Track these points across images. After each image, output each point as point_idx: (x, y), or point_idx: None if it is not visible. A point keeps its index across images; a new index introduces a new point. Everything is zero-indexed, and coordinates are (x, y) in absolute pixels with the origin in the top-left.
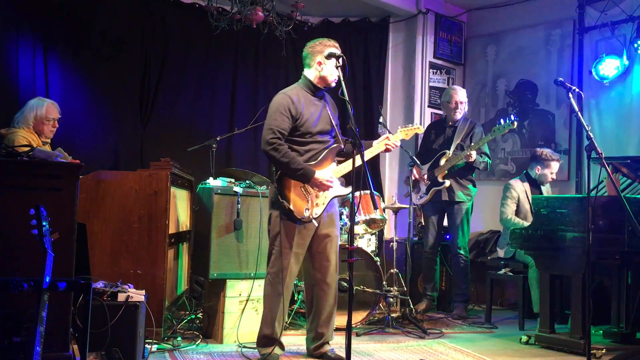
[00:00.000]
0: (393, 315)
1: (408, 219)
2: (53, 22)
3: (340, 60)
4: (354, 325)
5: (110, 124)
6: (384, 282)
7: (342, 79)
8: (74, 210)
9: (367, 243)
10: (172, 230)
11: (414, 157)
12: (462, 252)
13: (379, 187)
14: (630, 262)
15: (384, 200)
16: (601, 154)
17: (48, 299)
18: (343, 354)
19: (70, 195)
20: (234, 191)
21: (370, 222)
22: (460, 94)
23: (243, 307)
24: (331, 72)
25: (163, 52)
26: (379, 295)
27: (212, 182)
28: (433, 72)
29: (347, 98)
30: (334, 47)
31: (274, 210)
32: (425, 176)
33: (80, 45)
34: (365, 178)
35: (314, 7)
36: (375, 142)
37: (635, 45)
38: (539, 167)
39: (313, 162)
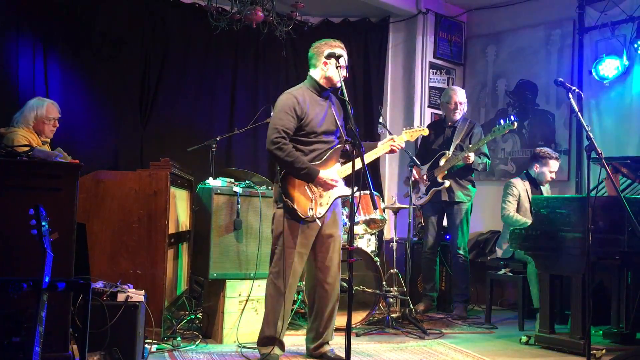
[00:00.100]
0: (393, 315)
1: (408, 219)
2: (53, 22)
3: (340, 60)
4: (353, 326)
5: (110, 124)
6: (384, 283)
7: (340, 78)
8: (74, 210)
9: (366, 243)
10: (171, 230)
11: (414, 158)
12: (461, 252)
13: (378, 187)
14: (630, 262)
15: (383, 201)
16: (601, 154)
17: (47, 299)
18: (343, 354)
19: (69, 195)
20: (234, 191)
21: (370, 223)
22: (460, 95)
23: (243, 307)
24: (337, 72)
25: (163, 52)
26: (378, 296)
27: (211, 182)
28: (433, 72)
29: (346, 98)
30: (339, 48)
31: (277, 209)
32: (425, 177)
33: (80, 45)
34: (365, 178)
35: (313, 7)
36: (380, 143)
37: (635, 45)
38: (537, 165)
39: (317, 162)
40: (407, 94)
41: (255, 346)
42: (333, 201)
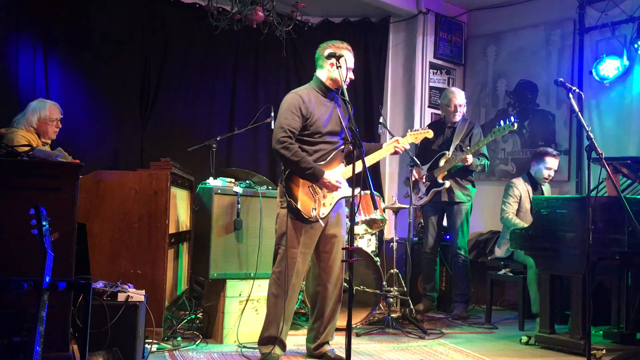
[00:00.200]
0: (393, 315)
1: (408, 219)
2: (53, 22)
3: (340, 60)
4: (354, 326)
5: (111, 124)
6: (384, 283)
7: (342, 79)
8: (74, 210)
9: (367, 243)
10: (172, 230)
11: (414, 158)
12: (461, 252)
13: (379, 188)
14: (630, 262)
15: (384, 201)
16: (601, 154)
17: (48, 299)
18: (343, 354)
19: (70, 195)
20: (234, 191)
21: (370, 223)
22: (459, 97)
23: (243, 307)
24: (343, 74)
25: (163, 52)
26: (379, 296)
27: (212, 182)
28: (433, 72)
29: (347, 98)
30: (346, 50)
31: (281, 209)
32: (425, 177)
33: (80, 45)
34: (366, 178)
35: (314, 7)
36: (384, 145)
37: (636, 45)
38: (534, 162)
39: (322, 163)
40: (407, 94)
41: (256, 346)
42: (336, 202)
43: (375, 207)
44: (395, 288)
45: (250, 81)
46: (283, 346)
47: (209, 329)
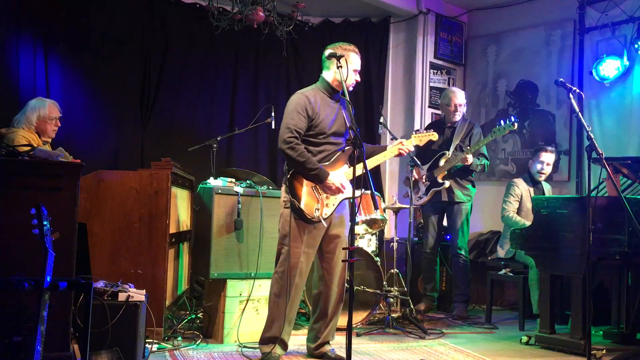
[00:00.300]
0: (393, 315)
1: (408, 219)
2: (53, 22)
3: (341, 61)
4: (354, 325)
5: (111, 124)
6: (384, 282)
7: (343, 79)
8: (75, 210)
9: (367, 243)
10: (172, 230)
11: (415, 158)
12: (462, 252)
13: (379, 187)
14: (630, 262)
15: (384, 201)
16: (602, 154)
17: (49, 299)
18: (343, 354)
19: (71, 195)
20: (235, 191)
21: (370, 223)
22: (459, 97)
23: (243, 307)
24: (350, 75)
25: (164, 52)
26: (379, 296)
27: (212, 182)
28: (433, 72)
29: (347, 98)
30: (353, 52)
31: (284, 209)
32: (424, 177)
33: (81, 45)
34: (366, 178)
35: (314, 7)
36: (389, 146)
37: (636, 45)
38: (531, 160)
39: (326, 163)
40: (407, 94)
41: (256, 346)
42: (340, 202)
43: (376, 207)
44: (395, 288)
45: (250, 81)
46: (284, 346)
47: (209, 328)
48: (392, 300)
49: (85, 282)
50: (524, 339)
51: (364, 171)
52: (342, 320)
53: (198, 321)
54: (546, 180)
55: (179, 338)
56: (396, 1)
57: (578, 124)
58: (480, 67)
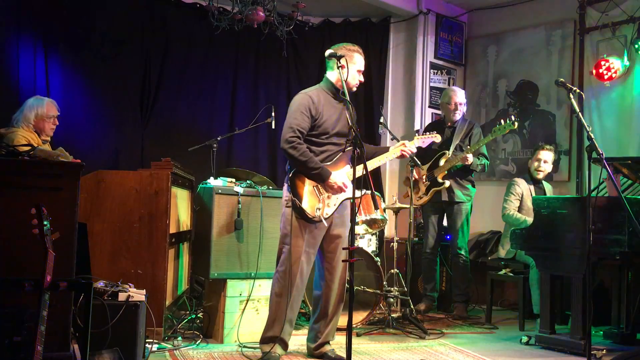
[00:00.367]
0: (393, 315)
1: (408, 219)
2: (54, 22)
3: (342, 60)
4: (354, 326)
5: (111, 124)
6: (385, 282)
7: (343, 79)
8: (75, 209)
9: (367, 243)
10: (172, 230)
11: (415, 158)
12: (462, 252)
13: (379, 187)
14: (630, 262)
15: (384, 201)
16: (602, 154)
17: (49, 299)
18: (343, 354)
19: (71, 195)
20: (235, 191)
21: (371, 223)
22: (459, 95)
23: (243, 307)
24: (353, 76)
25: (164, 52)
26: (379, 296)
27: (212, 182)
28: (434, 72)
29: (347, 98)
30: (356, 52)
31: (286, 208)
32: (425, 177)
33: (81, 45)
34: (367, 178)
35: (314, 7)
36: (391, 148)
37: (636, 46)
38: (530, 160)
39: (328, 163)
40: (407, 94)
41: (256, 345)
42: (341, 202)
43: (376, 207)
44: (395, 288)
45: (250, 81)
46: (285, 346)
47: (209, 328)
48: (392, 300)
49: (85, 282)
50: (524, 339)
51: (365, 172)
52: (342, 320)
53: (198, 321)
54: (546, 180)
55: (179, 338)
56: (396, 1)
57: (578, 124)
58: (481, 67)
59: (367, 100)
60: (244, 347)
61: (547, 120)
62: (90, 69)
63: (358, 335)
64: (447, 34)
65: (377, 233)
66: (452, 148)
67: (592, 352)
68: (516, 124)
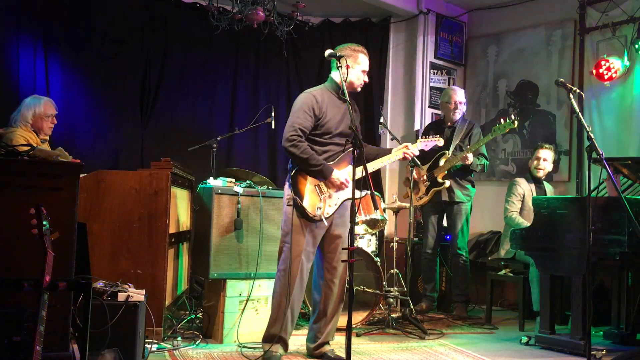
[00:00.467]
0: (393, 315)
1: (408, 219)
2: (54, 22)
3: (342, 60)
4: (354, 326)
5: (111, 124)
6: (384, 283)
7: (343, 79)
8: (75, 209)
9: (367, 243)
10: (172, 230)
11: (415, 158)
12: (461, 252)
13: (379, 187)
14: (630, 263)
15: (384, 201)
16: (602, 154)
17: (48, 299)
18: (343, 354)
19: (70, 195)
20: (235, 191)
21: (370, 223)
22: (459, 95)
23: (243, 307)
24: (358, 76)
25: (164, 51)
26: (379, 296)
27: (212, 182)
28: (434, 72)
29: (347, 98)
30: (361, 53)
31: (287, 207)
32: (424, 177)
33: (81, 45)
34: (366, 178)
35: (314, 7)
36: (394, 150)
37: (636, 46)
38: (530, 160)
39: (331, 163)
40: (408, 94)
41: (256, 345)
42: (342, 203)
43: (376, 207)
44: (395, 288)
45: (250, 81)
46: (286, 346)
47: (209, 328)
48: (392, 300)
49: (84, 282)
50: (524, 339)
51: (364, 172)
52: (341, 321)
53: (198, 321)
54: (546, 180)
55: (179, 338)
56: (396, 1)
57: (578, 124)
58: (481, 67)
59: (367, 100)
60: (244, 347)
61: (547, 121)
62: (90, 69)
63: (358, 335)
64: (447, 34)
65: (377, 233)
66: (452, 148)
67: (592, 353)
68: (516, 122)
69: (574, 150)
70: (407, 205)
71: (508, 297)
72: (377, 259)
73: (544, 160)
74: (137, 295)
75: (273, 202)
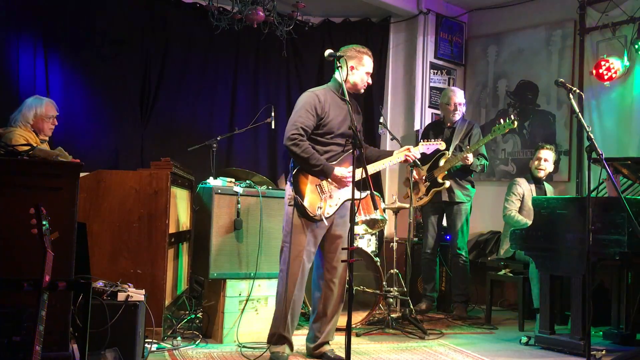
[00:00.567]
0: (393, 315)
1: (408, 220)
2: (53, 22)
3: (340, 60)
4: (354, 326)
5: (111, 124)
6: (384, 283)
7: (342, 79)
8: (74, 209)
9: (367, 243)
10: (172, 229)
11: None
12: (461, 252)
13: (379, 188)
14: (630, 263)
15: (384, 201)
16: (602, 154)
17: (48, 299)
18: (343, 354)
19: (70, 195)
20: (234, 191)
21: (370, 223)
22: (459, 96)
23: (243, 307)
24: (362, 78)
25: (164, 51)
26: (379, 296)
27: (212, 181)
28: (434, 72)
29: (347, 98)
30: (366, 54)
31: (288, 206)
32: (424, 177)
33: (81, 45)
34: (366, 178)
35: (314, 7)
36: (395, 152)
37: (636, 46)
38: (530, 160)
39: (333, 163)
40: (407, 94)
41: (256, 345)
42: (342, 203)
43: (375, 207)
44: (395, 288)
45: (250, 81)
46: (291, 345)
47: (208, 328)
48: (391, 300)
49: (84, 281)
50: (524, 339)
51: (364, 172)
52: (341, 321)
53: (197, 321)
54: (547, 180)
55: (178, 338)
56: (396, 1)
57: (578, 124)
58: (481, 67)
59: (367, 100)
60: (243, 347)
61: (547, 121)
62: (90, 69)
63: (357, 335)
64: (447, 34)
65: (377, 233)
66: (451, 148)
67: (591, 353)
68: (515, 123)
69: (574, 151)
70: (407, 205)
71: (508, 297)
72: (377, 259)
73: (545, 160)
74: (137, 295)
75: (273, 202)
